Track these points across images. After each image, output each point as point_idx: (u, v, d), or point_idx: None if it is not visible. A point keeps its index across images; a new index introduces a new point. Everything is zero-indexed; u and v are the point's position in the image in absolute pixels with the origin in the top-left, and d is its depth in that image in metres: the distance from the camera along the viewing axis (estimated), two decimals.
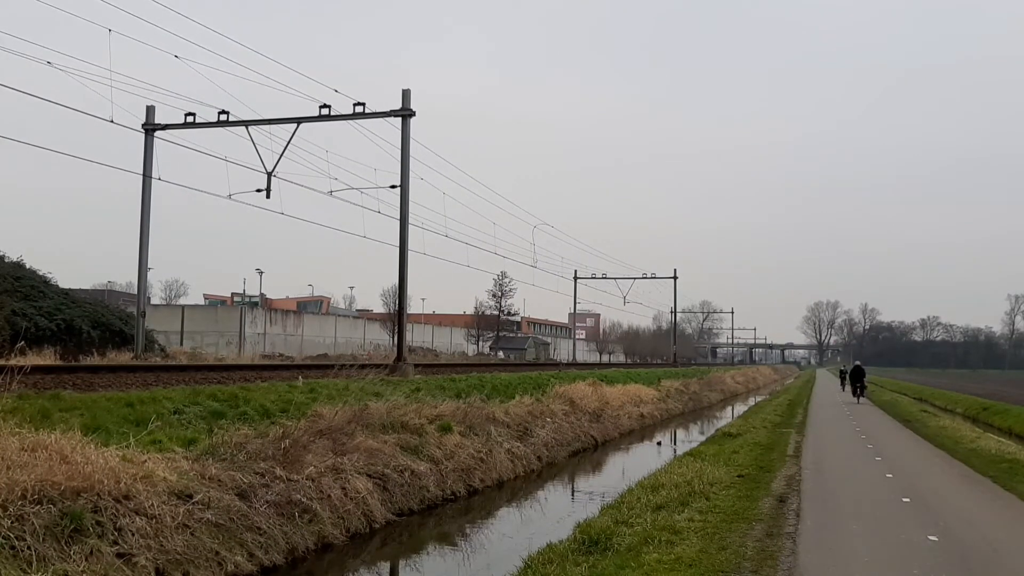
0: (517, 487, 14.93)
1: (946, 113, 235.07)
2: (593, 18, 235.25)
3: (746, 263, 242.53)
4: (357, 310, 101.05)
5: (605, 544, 8.22)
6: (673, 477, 12.58)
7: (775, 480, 12.48)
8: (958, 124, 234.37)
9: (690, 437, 25.32)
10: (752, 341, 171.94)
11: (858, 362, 41.84)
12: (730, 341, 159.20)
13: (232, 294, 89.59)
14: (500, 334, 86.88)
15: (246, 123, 27.15)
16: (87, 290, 53.87)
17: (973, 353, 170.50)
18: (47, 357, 23.20)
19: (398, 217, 27.11)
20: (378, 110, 27.07)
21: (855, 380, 38.12)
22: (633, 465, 18.42)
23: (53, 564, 6.40)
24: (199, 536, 7.76)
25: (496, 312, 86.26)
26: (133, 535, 7.12)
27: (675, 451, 20.90)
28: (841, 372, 49.21)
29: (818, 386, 60.80)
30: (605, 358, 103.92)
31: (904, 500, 10.89)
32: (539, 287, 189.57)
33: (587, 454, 20.05)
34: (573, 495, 15.51)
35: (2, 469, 6.92)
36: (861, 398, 37.51)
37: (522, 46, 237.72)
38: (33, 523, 6.54)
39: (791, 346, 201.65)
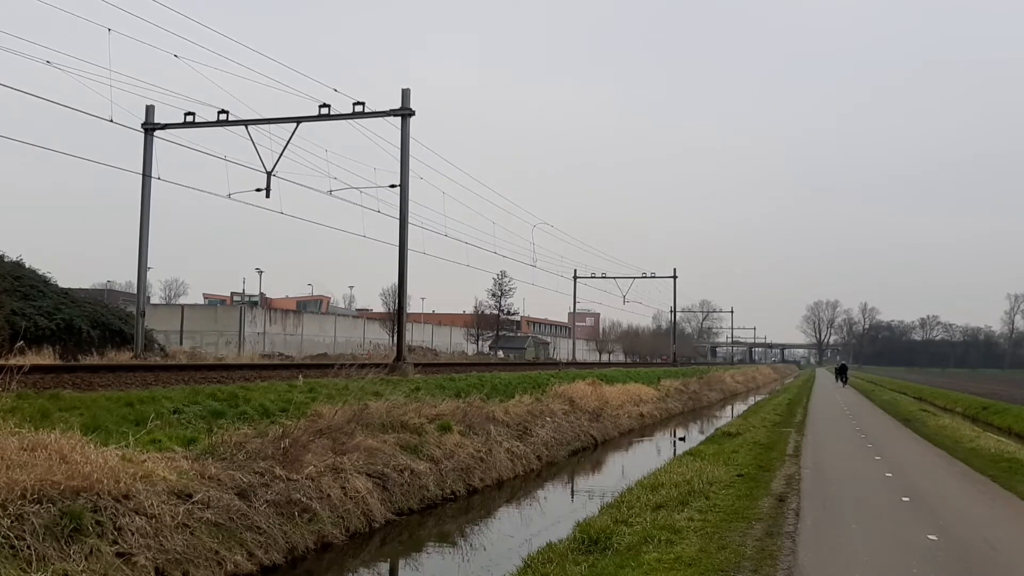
0: (517, 486, 14.93)
1: (946, 112, 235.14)
2: (592, 17, 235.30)
3: (746, 262, 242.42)
4: (357, 309, 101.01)
5: (605, 543, 8.21)
6: (673, 476, 12.58)
7: (775, 479, 12.48)
8: (958, 123, 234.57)
9: (690, 436, 25.32)
10: (752, 340, 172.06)
11: (844, 362, 75.88)
12: (730, 340, 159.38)
13: (232, 293, 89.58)
14: (500, 333, 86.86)
15: (246, 123, 27.15)
16: (87, 290, 53.86)
17: (973, 352, 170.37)
18: (46, 357, 23.17)
19: (398, 217, 27.12)
20: (378, 109, 27.09)
21: (841, 373, 64.33)
22: (633, 464, 18.44)
23: (53, 563, 6.40)
24: (199, 535, 7.75)
25: (496, 311, 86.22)
26: (133, 534, 7.12)
27: (675, 450, 20.90)
28: (835, 369, 71.11)
29: (818, 385, 60.84)
30: (605, 357, 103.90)
31: (904, 499, 10.90)
32: (539, 287, 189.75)
33: (587, 453, 20.06)
34: (573, 494, 15.51)
35: (2, 469, 6.92)
36: (845, 385, 59.34)
37: (522, 46, 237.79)
38: (33, 522, 6.54)
39: (791, 345, 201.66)
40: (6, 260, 30.36)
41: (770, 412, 28.13)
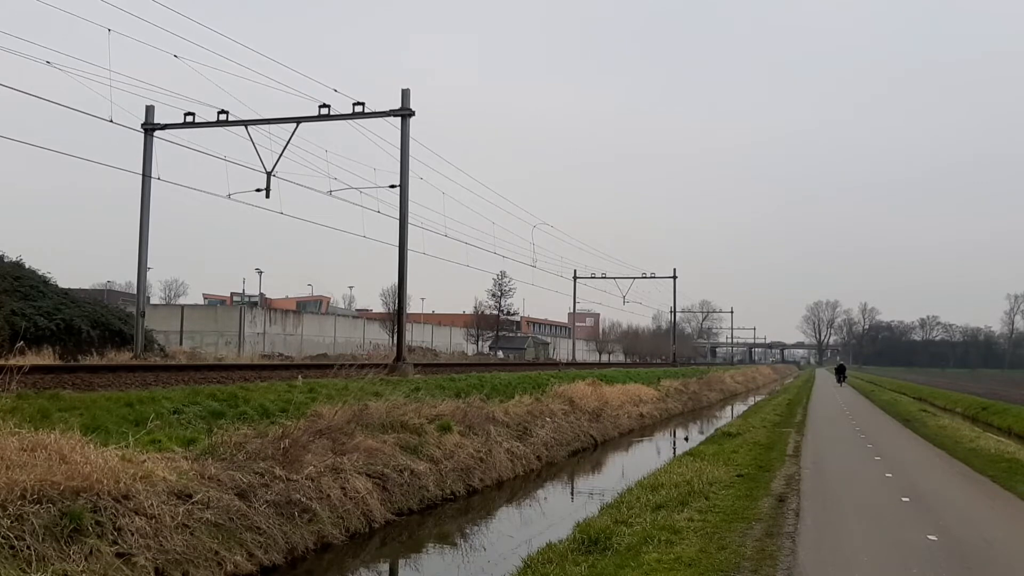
0: (517, 487, 14.92)
1: (946, 112, 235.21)
2: (589, 17, 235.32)
3: (746, 262, 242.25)
4: (357, 310, 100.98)
5: (605, 544, 8.21)
6: (672, 477, 12.58)
7: (774, 480, 12.49)
8: (958, 123, 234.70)
9: (690, 436, 25.32)
10: (752, 340, 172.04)
11: (843, 363, 77.91)
12: (730, 340, 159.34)
13: (231, 294, 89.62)
14: (500, 334, 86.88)
15: (246, 123, 27.15)
16: (86, 290, 53.85)
17: (972, 353, 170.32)
18: (46, 357, 23.19)
19: (398, 217, 27.12)
20: (378, 110, 27.09)
21: (840, 373, 66.69)
22: (632, 465, 18.43)
23: (52, 564, 6.40)
24: (198, 536, 7.75)
25: (496, 312, 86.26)
26: (133, 535, 7.12)
27: (675, 450, 20.90)
28: (835, 369, 74.82)
29: (818, 386, 60.85)
30: (605, 358, 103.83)
31: (903, 499, 10.90)
32: (539, 287, 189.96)
33: (587, 454, 20.05)
34: (573, 495, 15.50)
35: (2, 469, 6.91)
36: (843, 384, 61.31)
37: (521, 45, 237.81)
38: (32, 523, 6.54)
39: (791, 346, 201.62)
40: (6, 260, 30.36)
41: (770, 412, 28.14)
